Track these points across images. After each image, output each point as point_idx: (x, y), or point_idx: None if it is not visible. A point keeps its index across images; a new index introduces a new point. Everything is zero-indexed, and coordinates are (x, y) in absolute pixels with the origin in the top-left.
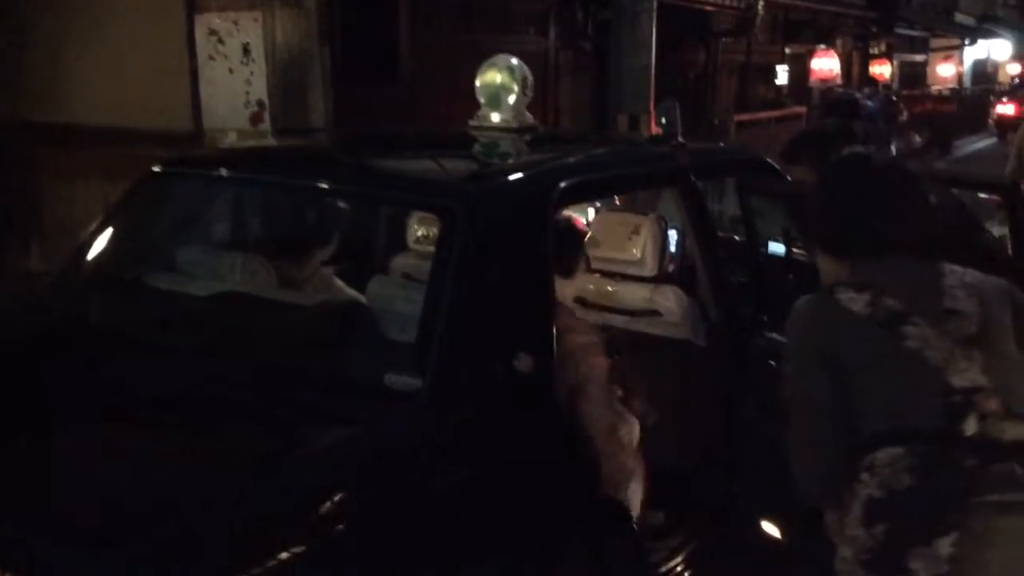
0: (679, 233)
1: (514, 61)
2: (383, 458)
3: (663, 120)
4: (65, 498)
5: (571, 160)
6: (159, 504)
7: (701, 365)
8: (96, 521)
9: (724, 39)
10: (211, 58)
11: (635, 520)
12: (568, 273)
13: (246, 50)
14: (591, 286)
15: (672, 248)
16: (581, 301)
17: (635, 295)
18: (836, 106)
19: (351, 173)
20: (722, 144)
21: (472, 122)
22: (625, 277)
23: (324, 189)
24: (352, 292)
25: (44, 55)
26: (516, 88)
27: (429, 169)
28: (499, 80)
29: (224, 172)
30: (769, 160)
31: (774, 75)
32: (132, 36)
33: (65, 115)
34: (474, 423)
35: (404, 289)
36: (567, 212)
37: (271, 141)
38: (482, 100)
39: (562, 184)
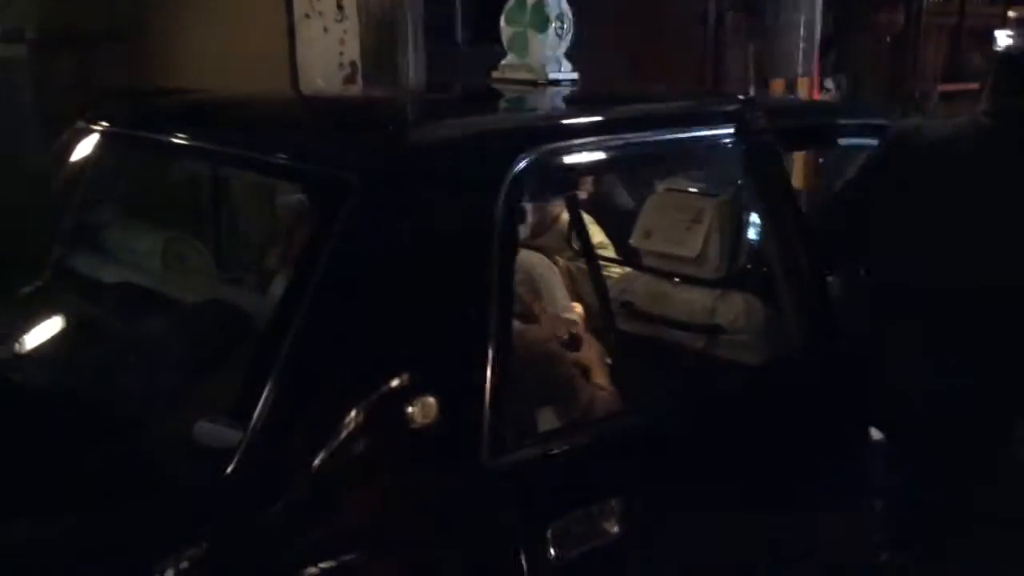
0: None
1: None
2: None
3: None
4: None
5: (568, 119)
6: None
7: (778, 403)
8: None
9: None
10: (307, 16)
11: None
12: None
13: (340, 6)
14: (640, 288)
15: (750, 242)
16: (627, 307)
17: (694, 304)
18: None
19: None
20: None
21: (495, 73)
22: (684, 279)
23: (217, 153)
24: None
25: (155, 20)
26: (549, 27)
27: (347, 133)
28: (522, 18)
29: (142, 131)
30: None
31: (993, 41)
32: None
33: (175, 80)
34: (322, 507)
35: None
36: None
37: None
38: (504, 44)
39: (529, 155)
